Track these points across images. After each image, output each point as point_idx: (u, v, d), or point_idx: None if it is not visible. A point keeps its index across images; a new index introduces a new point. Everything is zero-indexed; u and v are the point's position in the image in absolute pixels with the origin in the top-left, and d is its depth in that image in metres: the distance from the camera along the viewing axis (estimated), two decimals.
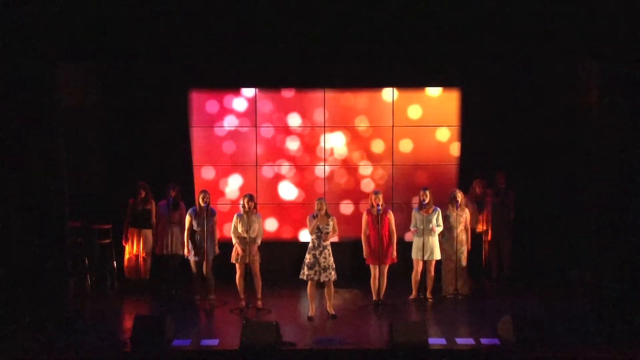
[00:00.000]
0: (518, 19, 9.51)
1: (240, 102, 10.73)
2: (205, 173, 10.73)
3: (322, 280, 8.39)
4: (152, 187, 9.84)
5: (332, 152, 10.77)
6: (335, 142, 10.77)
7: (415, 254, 9.21)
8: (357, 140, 10.76)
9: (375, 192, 8.90)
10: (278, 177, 10.79)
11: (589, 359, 6.98)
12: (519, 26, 9.60)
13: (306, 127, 10.75)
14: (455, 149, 10.73)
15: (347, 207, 10.68)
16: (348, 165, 10.78)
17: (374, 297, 8.93)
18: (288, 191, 10.79)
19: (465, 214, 9.40)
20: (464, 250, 9.40)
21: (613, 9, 8.45)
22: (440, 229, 9.14)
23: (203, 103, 10.71)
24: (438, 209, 9.21)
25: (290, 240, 10.71)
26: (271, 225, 10.58)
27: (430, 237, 9.12)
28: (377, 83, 10.68)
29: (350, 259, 9.34)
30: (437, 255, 9.19)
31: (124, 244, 9.86)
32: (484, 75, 10.34)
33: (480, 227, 9.96)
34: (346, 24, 9.78)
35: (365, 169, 10.78)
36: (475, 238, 9.69)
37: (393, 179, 10.76)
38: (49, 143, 8.29)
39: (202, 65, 10.29)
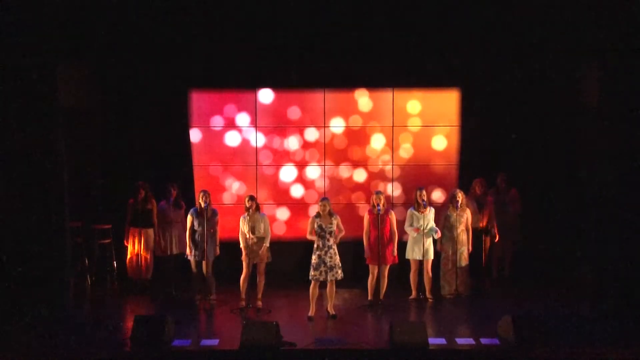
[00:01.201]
0: (518, 19, 9.53)
1: (240, 101, 10.72)
2: (205, 173, 10.72)
3: (329, 279, 8.40)
4: (152, 187, 9.83)
5: (332, 152, 10.76)
6: (336, 142, 10.76)
7: (409, 254, 9.21)
8: (357, 140, 10.76)
9: (377, 192, 8.90)
10: (278, 177, 10.78)
11: (589, 359, 6.98)
12: (519, 26, 9.61)
13: (306, 126, 10.75)
14: (455, 149, 10.73)
15: (346, 207, 10.67)
16: (348, 165, 10.77)
17: (369, 297, 8.94)
18: (288, 191, 10.79)
19: (466, 214, 9.39)
20: (464, 250, 9.40)
21: (613, 9, 8.45)
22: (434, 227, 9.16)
23: (203, 103, 10.70)
24: (432, 208, 9.22)
25: (291, 240, 10.70)
26: (271, 225, 10.55)
27: (426, 237, 9.11)
28: (377, 83, 10.67)
29: (350, 258, 9.34)
30: (431, 255, 9.19)
31: (125, 244, 9.85)
32: (484, 75, 10.34)
33: (481, 225, 9.90)
34: (346, 24, 9.80)
35: (366, 168, 10.77)
36: (475, 238, 9.66)
37: (393, 179, 10.76)
38: (49, 143, 8.28)
39: (202, 65, 10.29)
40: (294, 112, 10.74)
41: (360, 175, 10.78)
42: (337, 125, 10.75)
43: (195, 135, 10.68)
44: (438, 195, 10.57)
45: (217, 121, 10.72)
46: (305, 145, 10.76)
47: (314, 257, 8.42)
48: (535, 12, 9.35)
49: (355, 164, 10.78)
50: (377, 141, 10.75)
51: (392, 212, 9.03)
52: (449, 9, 9.58)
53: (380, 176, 10.76)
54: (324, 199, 8.60)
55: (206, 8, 9.59)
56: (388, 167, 10.75)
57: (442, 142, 10.74)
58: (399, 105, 10.72)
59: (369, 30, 9.92)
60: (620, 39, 8.40)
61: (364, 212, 9.15)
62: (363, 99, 10.75)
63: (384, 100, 10.74)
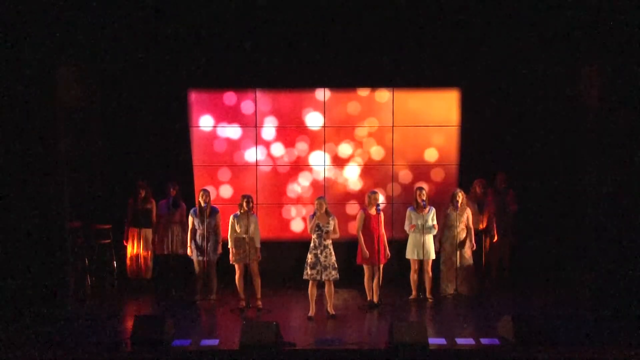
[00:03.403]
0: (518, 19, 9.52)
1: (240, 102, 10.73)
2: (205, 173, 10.72)
3: (323, 279, 8.39)
4: (152, 187, 9.84)
5: (331, 153, 10.76)
6: (335, 143, 10.76)
7: (409, 254, 9.20)
8: (357, 140, 10.76)
9: (374, 192, 8.91)
10: (278, 178, 10.78)
11: (589, 359, 6.98)
12: (519, 26, 9.61)
13: (306, 127, 10.75)
14: (455, 149, 10.73)
15: (346, 207, 10.67)
16: (348, 165, 10.77)
17: (369, 297, 8.95)
18: (288, 192, 10.79)
19: (467, 214, 9.38)
20: (465, 249, 9.38)
21: (613, 9, 8.45)
22: (435, 227, 9.14)
23: (203, 103, 10.70)
24: (433, 208, 9.21)
25: (290, 240, 10.71)
26: (271, 225, 10.57)
27: (426, 237, 9.11)
28: (377, 83, 10.67)
29: (349, 258, 9.33)
30: (432, 255, 9.18)
31: (125, 244, 9.86)
32: (484, 75, 10.34)
33: (481, 227, 9.91)
34: (346, 24, 9.80)
35: (365, 169, 10.77)
36: (476, 238, 9.66)
37: (393, 180, 10.76)
38: (49, 143, 8.28)
39: (202, 65, 10.28)
40: (293, 112, 10.74)
41: (359, 177, 10.78)
42: (336, 125, 10.74)
43: (195, 135, 10.68)
44: (437, 195, 10.55)
45: (217, 121, 10.72)
46: (305, 144, 10.76)
47: (309, 255, 8.42)
48: (535, 12, 9.35)
49: (355, 165, 10.77)
50: (377, 142, 10.74)
51: (382, 212, 9.00)
52: (449, 9, 9.58)
53: (380, 177, 10.75)
54: (320, 197, 8.59)
55: (206, 8, 9.59)
56: (388, 168, 10.75)
57: (442, 142, 10.73)
58: (398, 105, 10.72)
59: (369, 30, 9.92)
60: (621, 39, 8.40)
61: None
62: (363, 99, 10.75)
63: (383, 100, 10.74)
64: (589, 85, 9.59)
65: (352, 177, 10.78)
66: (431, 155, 10.75)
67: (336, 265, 8.44)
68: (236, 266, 8.86)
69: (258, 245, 8.85)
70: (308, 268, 8.41)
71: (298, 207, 10.78)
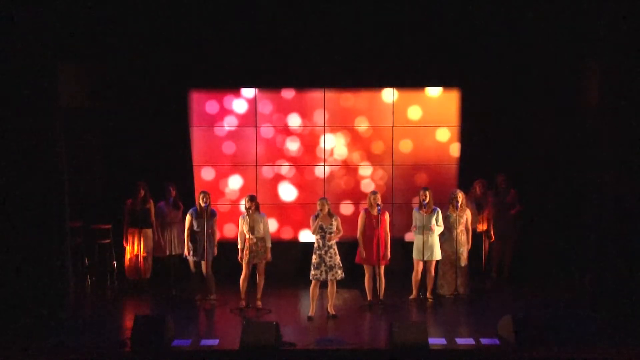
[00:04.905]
0: (518, 19, 9.53)
1: (240, 102, 10.73)
2: (205, 173, 10.73)
3: (329, 279, 8.40)
4: (151, 187, 9.83)
5: (332, 153, 10.77)
6: (335, 143, 10.77)
7: (415, 254, 9.20)
8: (357, 140, 10.77)
9: (374, 193, 8.91)
10: (278, 178, 10.79)
11: (589, 359, 6.98)
12: (519, 26, 9.62)
13: (306, 127, 10.75)
14: (455, 149, 10.73)
15: (347, 208, 10.67)
16: (348, 166, 10.78)
17: (369, 297, 8.94)
18: (288, 191, 10.79)
19: (466, 215, 9.38)
20: (463, 250, 9.39)
21: (613, 9, 8.45)
22: (441, 229, 9.12)
23: (203, 103, 10.71)
24: (438, 209, 9.20)
25: (290, 240, 10.72)
26: (271, 225, 10.55)
27: (431, 237, 9.10)
28: (377, 83, 10.67)
29: (350, 259, 9.33)
30: (438, 256, 9.18)
31: (125, 245, 9.85)
32: (484, 75, 10.34)
33: (480, 227, 9.94)
34: (346, 24, 9.81)
35: (365, 169, 10.78)
36: (475, 238, 9.66)
37: (393, 180, 10.77)
38: (48, 143, 8.28)
39: (202, 65, 10.29)
40: (294, 112, 10.74)
41: (360, 177, 10.78)
42: (337, 124, 10.74)
43: (195, 135, 10.68)
44: (437, 196, 10.54)
45: (217, 121, 10.72)
46: (305, 146, 10.76)
47: (314, 256, 8.44)
48: (535, 12, 9.36)
49: (355, 165, 10.77)
50: (377, 142, 10.74)
51: (387, 213, 9.01)
52: (450, 9, 9.58)
53: (381, 177, 10.76)
54: (322, 198, 8.60)
55: (206, 8, 9.60)
56: (388, 168, 10.75)
57: (442, 142, 10.73)
58: (399, 105, 10.73)
59: (369, 30, 9.93)
60: (620, 39, 8.40)
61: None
62: (363, 99, 10.75)
63: (383, 101, 10.74)
64: (589, 85, 9.60)
65: (352, 176, 10.78)
66: (431, 155, 10.75)
67: (341, 265, 8.46)
68: (243, 265, 8.85)
69: (269, 244, 8.85)
70: (312, 268, 8.42)
71: (298, 207, 10.77)
